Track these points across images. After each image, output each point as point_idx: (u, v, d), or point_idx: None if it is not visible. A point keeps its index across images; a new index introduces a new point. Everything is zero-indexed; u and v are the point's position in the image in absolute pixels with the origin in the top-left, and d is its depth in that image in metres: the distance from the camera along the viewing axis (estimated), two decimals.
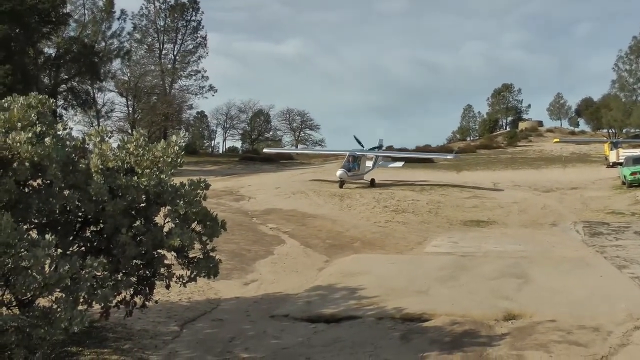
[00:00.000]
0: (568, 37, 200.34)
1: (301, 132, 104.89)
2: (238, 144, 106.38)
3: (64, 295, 6.60)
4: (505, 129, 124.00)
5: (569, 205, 29.13)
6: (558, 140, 77.84)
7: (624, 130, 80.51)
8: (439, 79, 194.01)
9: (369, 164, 39.85)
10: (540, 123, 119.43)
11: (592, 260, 15.87)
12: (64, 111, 60.43)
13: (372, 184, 37.23)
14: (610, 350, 8.99)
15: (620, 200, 30.10)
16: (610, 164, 49.00)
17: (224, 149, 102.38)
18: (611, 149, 51.17)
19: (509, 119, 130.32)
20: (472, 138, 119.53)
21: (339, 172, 35.85)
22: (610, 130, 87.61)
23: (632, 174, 35.34)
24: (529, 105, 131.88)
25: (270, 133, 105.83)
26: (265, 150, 44.81)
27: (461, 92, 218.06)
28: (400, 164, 44.35)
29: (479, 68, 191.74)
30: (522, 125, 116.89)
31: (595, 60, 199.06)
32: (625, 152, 46.12)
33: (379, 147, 45.01)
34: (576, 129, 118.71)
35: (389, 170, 42.26)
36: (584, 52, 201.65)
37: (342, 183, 35.47)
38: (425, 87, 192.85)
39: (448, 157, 49.95)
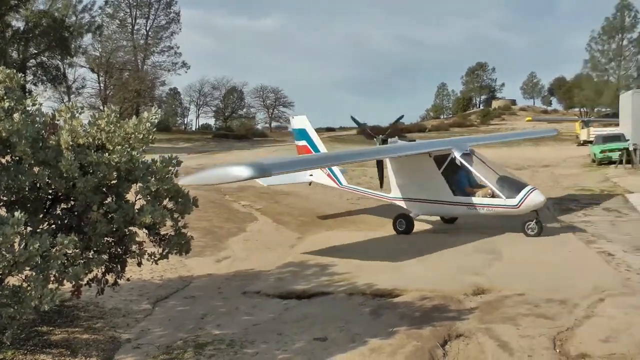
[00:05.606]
0: (548, 15, 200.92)
1: (275, 110, 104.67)
2: (211, 121, 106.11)
3: (34, 273, 6.57)
4: (479, 107, 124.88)
5: (541, 182, 29.26)
6: (530, 118, 78.51)
7: (595, 110, 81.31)
8: (417, 55, 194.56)
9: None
10: (514, 102, 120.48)
11: (562, 235, 16.08)
12: (33, 87, 59.56)
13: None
14: (575, 322, 9.19)
15: (590, 177, 30.47)
16: (581, 142, 49.66)
17: (197, 126, 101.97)
18: (582, 128, 51.83)
19: (483, 97, 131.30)
20: (445, 116, 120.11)
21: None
22: (582, 109, 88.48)
23: (602, 152, 36.02)
24: (503, 84, 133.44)
25: (244, 110, 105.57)
26: None
27: (438, 70, 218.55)
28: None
29: (458, 45, 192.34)
30: (495, 104, 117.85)
31: (572, 39, 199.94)
32: (595, 131, 46.76)
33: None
34: (549, 108, 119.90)
35: None
36: (561, 30, 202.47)
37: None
38: (403, 64, 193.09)
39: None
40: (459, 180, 17.47)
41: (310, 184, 21.99)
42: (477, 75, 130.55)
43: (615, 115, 47.89)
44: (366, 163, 24.08)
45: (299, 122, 22.61)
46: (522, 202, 16.02)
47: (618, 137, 36.39)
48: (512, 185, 16.66)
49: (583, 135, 50.35)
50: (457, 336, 8.90)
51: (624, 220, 18.22)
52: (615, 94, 61.65)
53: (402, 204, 18.50)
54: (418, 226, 18.25)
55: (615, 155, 34.84)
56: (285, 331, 9.29)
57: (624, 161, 33.83)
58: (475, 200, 16.86)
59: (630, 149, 33.59)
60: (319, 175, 21.25)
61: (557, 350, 8.21)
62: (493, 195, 16.49)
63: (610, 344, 8.26)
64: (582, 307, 9.89)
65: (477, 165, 17.22)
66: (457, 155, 17.32)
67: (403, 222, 17.82)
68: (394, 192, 18.80)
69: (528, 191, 16.15)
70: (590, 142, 42.75)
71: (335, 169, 20.86)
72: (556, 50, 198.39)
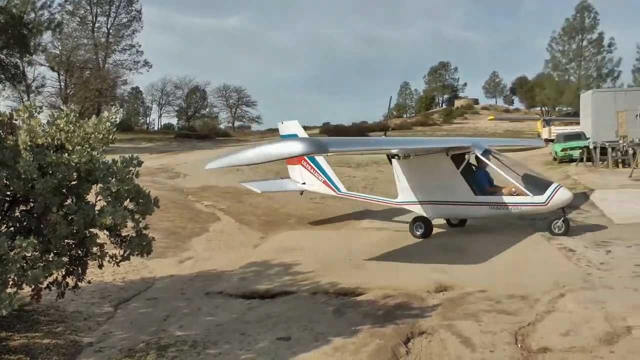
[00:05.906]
0: (510, 16, 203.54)
1: (237, 109, 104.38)
2: (174, 121, 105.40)
3: None
4: (442, 106, 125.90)
5: None
6: (493, 117, 79.66)
7: (556, 109, 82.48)
8: (379, 55, 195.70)
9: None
10: (476, 101, 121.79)
11: (524, 232, 16.25)
12: None
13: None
14: (536, 317, 9.31)
15: (552, 175, 30.70)
16: (543, 140, 50.31)
17: (160, 126, 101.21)
18: (544, 126, 52.51)
19: (445, 96, 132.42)
20: (408, 115, 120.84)
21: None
22: (543, 108, 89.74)
23: (563, 150, 36.54)
24: (465, 84, 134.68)
25: (207, 110, 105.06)
26: None
27: (401, 69, 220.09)
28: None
29: (421, 45, 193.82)
30: (458, 103, 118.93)
31: (534, 39, 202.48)
32: (557, 130, 47.40)
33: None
34: (511, 107, 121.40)
35: None
36: (523, 30, 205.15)
37: None
38: (365, 63, 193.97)
39: None
40: (479, 179, 16.61)
41: (301, 193, 20.99)
42: (439, 74, 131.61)
43: (576, 114, 48.58)
44: (333, 163, 23.93)
45: (289, 127, 20.61)
46: (550, 199, 15.42)
47: (579, 136, 36.91)
48: (538, 182, 16.11)
49: (544, 133, 50.97)
50: (419, 333, 8.95)
51: (584, 217, 18.47)
52: (576, 93, 62.43)
53: (414, 207, 17.20)
54: (383, 225, 18.33)
55: (576, 154, 35.32)
56: (248, 331, 9.28)
57: (584, 159, 34.33)
58: (499, 199, 16.00)
59: (591, 147, 34.10)
60: (312, 183, 20.10)
61: (519, 345, 8.30)
62: (518, 194, 15.76)
63: (571, 337, 8.39)
64: (543, 302, 10.02)
65: (498, 163, 16.54)
66: (478, 153, 16.55)
67: (422, 225, 16.61)
68: (404, 196, 17.42)
69: (555, 188, 15.58)
70: (552, 140, 43.37)
71: (333, 175, 19.78)
72: (518, 50, 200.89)
